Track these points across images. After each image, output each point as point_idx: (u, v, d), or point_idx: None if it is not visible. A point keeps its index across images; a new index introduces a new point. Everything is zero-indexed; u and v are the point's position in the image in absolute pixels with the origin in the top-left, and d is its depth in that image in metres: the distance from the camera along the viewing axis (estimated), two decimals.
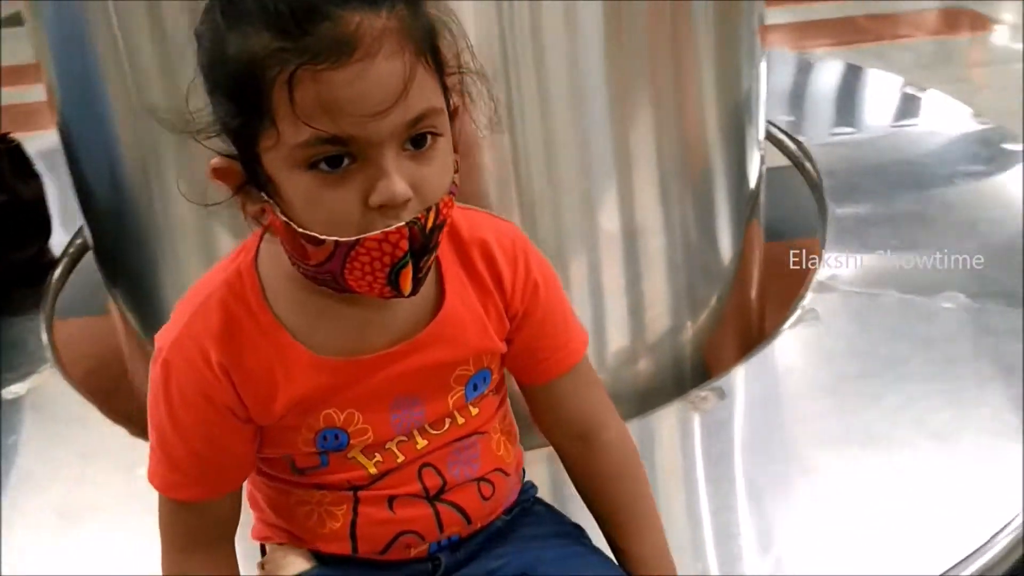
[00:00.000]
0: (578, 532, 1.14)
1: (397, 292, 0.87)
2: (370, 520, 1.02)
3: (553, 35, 1.55)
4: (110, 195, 1.77)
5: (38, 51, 1.78)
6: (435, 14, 0.86)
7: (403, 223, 0.83)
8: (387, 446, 1.00)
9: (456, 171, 0.89)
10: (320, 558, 1.07)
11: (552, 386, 1.07)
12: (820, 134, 2.61)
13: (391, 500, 1.02)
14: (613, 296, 1.74)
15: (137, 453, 1.64)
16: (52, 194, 2.34)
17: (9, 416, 1.78)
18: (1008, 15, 4.64)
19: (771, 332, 1.87)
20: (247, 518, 1.09)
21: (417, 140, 0.84)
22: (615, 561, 1.10)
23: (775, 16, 4.04)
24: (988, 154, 2.40)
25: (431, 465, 1.02)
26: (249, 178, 0.87)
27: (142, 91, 1.60)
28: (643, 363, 1.82)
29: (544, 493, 1.19)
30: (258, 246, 0.95)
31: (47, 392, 1.85)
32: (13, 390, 1.85)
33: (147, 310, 1.84)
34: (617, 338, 1.76)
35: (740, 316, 1.99)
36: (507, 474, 1.08)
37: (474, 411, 1.04)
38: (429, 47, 0.84)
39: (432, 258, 0.88)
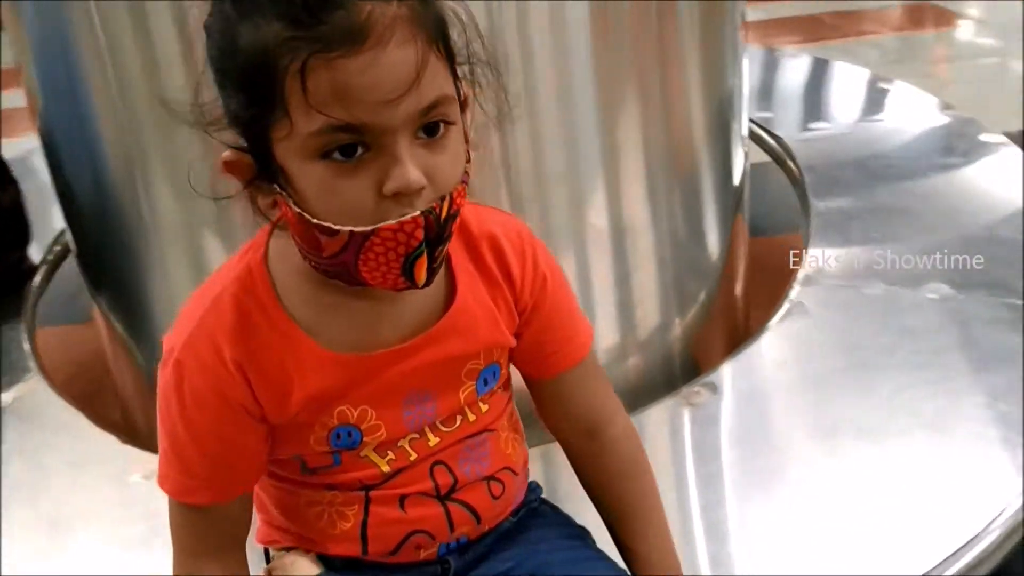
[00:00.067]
0: (584, 534, 1.13)
1: (411, 283, 0.87)
2: (381, 520, 1.01)
3: (540, 34, 1.56)
4: (94, 199, 1.75)
5: (19, 55, 1.76)
6: (445, 3, 0.86)
7: (418, 212, 0.83)
8: (399, 444, 0.99)
9: (468, 160, 0.88)
10: (327, 563, 1.05)
11: (560, 380, 1.07)
12: (797, 129, 2.63)
13: (402, 499, 1.01)
14: (602, 293, 1.75)
15: (127, 460, 1.65)
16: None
17: None
18: (972, 10, 4.69)
19: (760, 326, 1.88)
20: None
21: (430, 128, 0.83)
22: (620, 563, 1.10)
23: None
24: (966, 146, 2.43)
25: (443, 463, 1.02)
26: (260, 170, 0.87)
27: (126, 92, 1.59)
28: (633, 360, 1.82)
29: None
30: (267, 243, 0.95)
31: (33, 400, 1.83)
32: None
33: (133, 314, 1.82)
34: (607, 335, 1.77)
35: (727, 312, 2.01)
36: (515, 473, 1.08)
37: (484, 408, 1.03)
38: (440, 35, 0.84)
39: (446, 248, 0.88)
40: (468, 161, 0.89)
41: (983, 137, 2.43)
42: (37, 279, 2.27)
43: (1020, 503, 1.45)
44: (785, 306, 1.88)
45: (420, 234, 0.84)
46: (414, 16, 0.81)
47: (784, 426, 1.66)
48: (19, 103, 1.89)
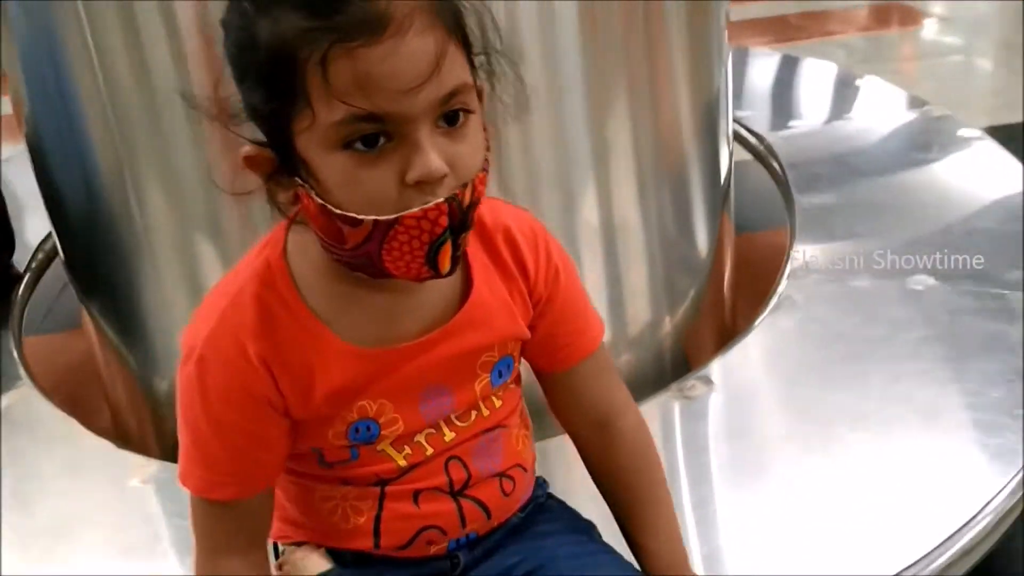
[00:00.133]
0: (591, 529, 1.14)
1: (434, 272, 0.87)
2: (395, 515, 1.01)
3: (529, 33, 1.56)
4: (84, 204, 1.74)
5: (6, 61, 1.74)
6: None
7: (441, 199, 0.83)
8: (416, 438, 0.99)
9: (488, 149, 0.89)
10: (338, 558, 1.05)
11: (573, 372, 1.07)
12: (778, 127, 2.65)
13: (416, 494, 1.01)
14: (594, 291, 1.72)
15: (124, 466, 1.64)
16: None
17: None
18: (938, 8, 4.75)
19: (747, 322, 1.90)
20: None
21: (450, 117, 0.84)
22: (628, 557, 1.10)
23: None
24: (944, 141, 2.46)
25: (457, 458, 1.02)
26: (281, 164, 0.87)
27: (115, 95, 1.58)
28: (625, 357, 1.83)
29: None
30: (285, 238, 0.95)
31: (25, 407, 1.82)
32: None
33: (125, 319, 1.81)
34: None
35: (716, 308, 2.02)
36: (525, 470, 1.08)
37: (498, 403, 1.03)
38: (457, 24, 0.85)
39: (468, 235, 0.88)
40: (488, 149, 0.89)
41: (961, 132, 2.46)
42: (22, 285, 2.25)
43: (1012, 487, 1.47)
44: (775, 300, 1.90)
45: (444, 221, 0.84)
46: (432, 5, 0.82)
47: (780, 418, 1.68)
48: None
